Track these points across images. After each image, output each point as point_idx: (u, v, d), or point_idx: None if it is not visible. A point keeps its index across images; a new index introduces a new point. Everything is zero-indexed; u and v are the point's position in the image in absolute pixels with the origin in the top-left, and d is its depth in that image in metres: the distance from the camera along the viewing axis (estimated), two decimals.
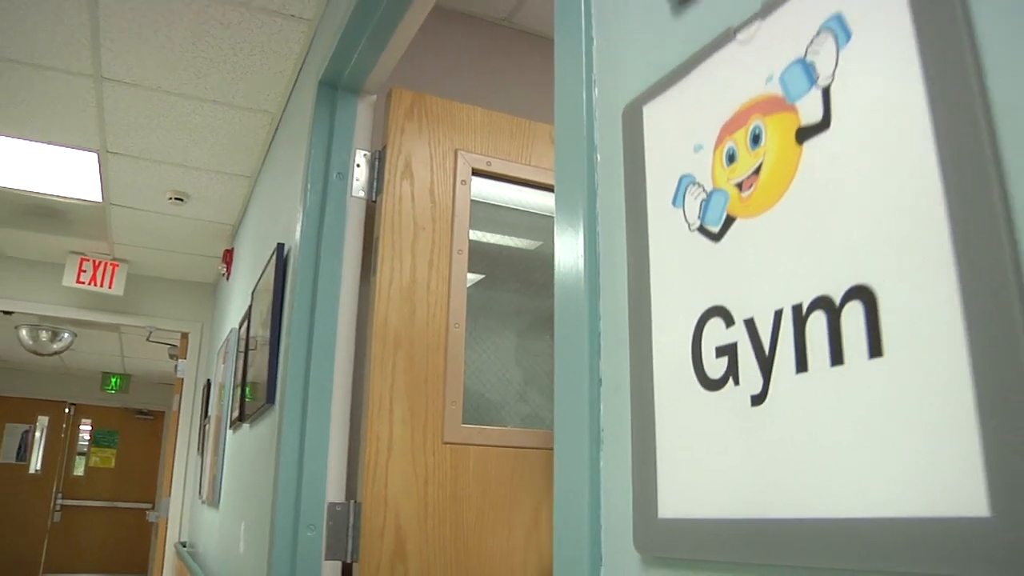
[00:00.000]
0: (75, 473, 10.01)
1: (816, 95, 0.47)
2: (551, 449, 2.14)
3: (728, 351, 0.49)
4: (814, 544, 0.43)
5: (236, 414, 2.96)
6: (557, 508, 0.68)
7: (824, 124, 0.46)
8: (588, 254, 0.67)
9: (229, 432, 3.31)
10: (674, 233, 0.56)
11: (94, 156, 3.51)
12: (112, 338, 7.29)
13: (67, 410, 10.05)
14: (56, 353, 7.21)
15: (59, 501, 9.83)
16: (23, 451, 9.79)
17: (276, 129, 3.13)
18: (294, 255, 2.12)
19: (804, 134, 0.47)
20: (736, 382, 0.48)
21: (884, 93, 0.43)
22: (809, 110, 0.47)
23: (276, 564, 1.94)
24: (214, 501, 3.64)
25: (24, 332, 6.90)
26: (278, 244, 2.32)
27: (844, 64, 0.45)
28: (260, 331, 2.51)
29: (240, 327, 3.18)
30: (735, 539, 0.48)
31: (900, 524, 0.40)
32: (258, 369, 2.47)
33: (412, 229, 2.04)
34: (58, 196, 4.03)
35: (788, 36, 0.49)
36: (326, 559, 1.96)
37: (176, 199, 3.92)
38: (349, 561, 1.96)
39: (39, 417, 9.93)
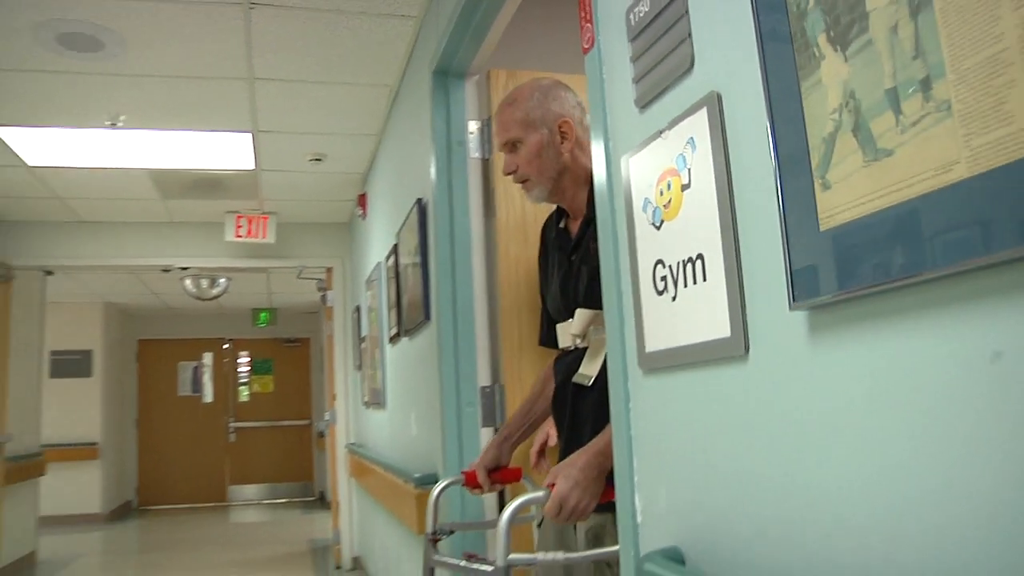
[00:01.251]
0: (241, 399, 11.36)
1: (686, 171, 1.07)
2: None
3: (663, 278, 1.12)
4: (687, 354, 1.08)
5: (395, 331, 3.73)
6: (609, 350, 1.34)
7: (689, 184, 1.07)
8: (613, 238, 1.30)
9: (388, 346, 4.10)
10: (643, 225, 1.20)
11: (248, 135, 4.28)
12: (260, 279, 8.29)
13: (225, 346, 11.35)
14: (215, 298, 8.26)
15: (231, 424, 11.23)
16: (196, 384, 11.19)
17: (395, 98, 3.80)
18: (431, 206, 2.81)
19: (684, 187, 1.09)
20: (665, 291, 1.12)
21: (705, 174, 1.04)
22: (685, 176, 1.08)
23: (447, 434, 2.69)
24: (380, 404, 4.47)
25: (188, 282, 7.93)
26: (417, 199, 3.02)
27: (695, 159, 1.06)
28: (410, 263, 3.23)
29: (387, 260, 3.92)
30: (669, 356, 1.14)
31: (702, 344, 1.04)
32: (412, 293, 3.21)
33: None
34: (218, 169, 4.86)
35: (678, 140, 1.10)
36: (482, 427, 2.71)
37: (315, 159, 4.68)
38: (498, 427, 2.69)
39: (203, 354, 11.28)
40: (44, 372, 7.00)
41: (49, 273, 6.58)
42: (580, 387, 1.80)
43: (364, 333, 5.22)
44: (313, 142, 4.42)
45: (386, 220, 4.11)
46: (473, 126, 2.75)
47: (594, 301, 1.66)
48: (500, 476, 2.05)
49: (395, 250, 3.65)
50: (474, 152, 2.74)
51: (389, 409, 4.20)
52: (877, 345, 0.77)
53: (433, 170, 2.78)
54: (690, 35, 1.09)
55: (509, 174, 1.91)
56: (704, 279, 1.04)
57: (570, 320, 1.83)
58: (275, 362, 11.48)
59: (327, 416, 6.72)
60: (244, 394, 11.40)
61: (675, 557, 1.11)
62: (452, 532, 2.08)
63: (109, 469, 9.74)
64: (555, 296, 1.95)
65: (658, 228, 1.14)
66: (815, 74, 0.82)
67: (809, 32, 0.83)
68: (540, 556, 1.59)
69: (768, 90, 0.89)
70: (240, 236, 5.72)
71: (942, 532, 0.69)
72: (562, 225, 1.97)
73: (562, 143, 1.84)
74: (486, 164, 2.74)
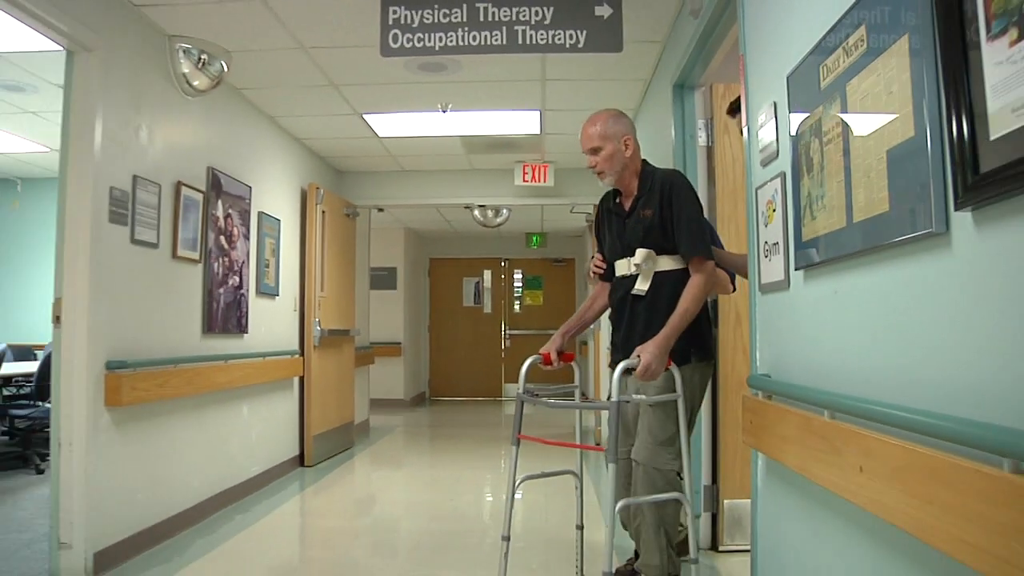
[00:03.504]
0: (515, 311, 13.24)
1: (778, 201, 2.28)
2: None
3: (767, 252, 2.35)
4: (771, 286, 2.28)
5: None
6: (749, 282, 2.55)
7: (776, 208, 2.27)
8: (757, 232, 2.50)
9: None
10: (760, 225, 2.42)
11: (537, 112, 5.71)
12: (535, 210, 9.86)
13: (502, 263, 13.22)
14: (498, 225, 9.93)
15: (507, 332, 13.15)
16: (477, 297, 13.21)
17: (646, 90, 5.06)
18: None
19: (773, 210, 2.28)
20: (766, 257, 2.35)
21: (779, 206, 2.23)
22: (777, 205, 2.28)
23: None
24: None
25: (476, 212, 9.64)
26: None
27: (778, 199, 2.25)
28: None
29: None
30: (766, 287, 2.34)
31: (775, 282, 2.23)
32: None
33: (731, 158, 3.85)
34: (511, 134, 6.35)
35: (774, 186, 2.29)
36: None
37: None
38: None
39: (484, 271, 13.23)
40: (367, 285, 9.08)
41: (380, 210, 8.57)
42: (636, 297, 2.97)
43: None
44: (584, 116, 5.73)
45: None
46: (701, 124, 3.94)
47: (647, 244, 2.90)
48: (563, 358, 3.16)
49: None
50: (702, 142, 3.94)
51: None
52: (830, 281, 1.97)
53: (671, 152, 4.01)
54: (777, 140, 2.28)
55: (592, 167, 3.06)
56: (777, 255, 2.26)
57: (629, 258, 2.99)
58: (544, 279, 13.21)
59: (592, 327, 8.16)
60: (517, 306, 13.26)
61: (767, 375, 2.36)
62: (537, 395, 3.01)
63: (409, 365, 12.01)
64: (614, 243, 3.10)
65: (766, 227, 2.36)
66: (805, 179, 2.00)
67: (811, 156, 2.00)
68: (634, 396, 2.82)
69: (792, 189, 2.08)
70: (526, 180, 7.25)
71: (876, 367, 1.90)
72: (617, 200, 3.13)
73: (625, 151, 3.00)
74: (709, 151, 3.92)
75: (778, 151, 2.30)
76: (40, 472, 5.77)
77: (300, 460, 6.50)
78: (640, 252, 2.95)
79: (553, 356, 3.13)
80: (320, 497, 5.61)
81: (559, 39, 3.60)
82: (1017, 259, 1.19)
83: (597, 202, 7.44)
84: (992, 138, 1.21)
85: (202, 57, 4.43)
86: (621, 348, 3.04)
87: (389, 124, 6.11)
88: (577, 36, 3.60)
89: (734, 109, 3.67)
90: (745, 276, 3.03)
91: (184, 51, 4.39)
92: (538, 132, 6.24)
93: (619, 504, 2.61)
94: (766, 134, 2.40)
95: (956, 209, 1.34)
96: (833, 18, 1.84)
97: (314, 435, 6.55)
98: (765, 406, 2.28)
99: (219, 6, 4.00)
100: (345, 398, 7.45)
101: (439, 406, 12.08)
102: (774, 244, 2.32)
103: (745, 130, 2.67)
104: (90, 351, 3.62)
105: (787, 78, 2.18)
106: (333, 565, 4.00)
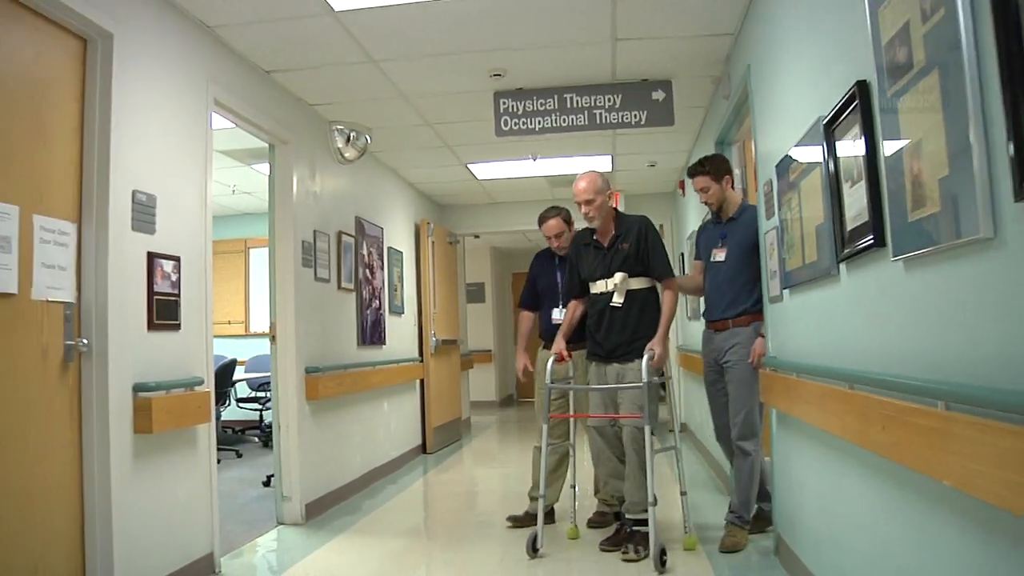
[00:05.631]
0: None
1: (780, 238, 3.50)
2: None
3: (774, 270, 3.57)
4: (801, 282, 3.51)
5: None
6: (764, 284, 3.77)
7: (776, 240, 3.49)
8: (765, 248, 3.71)
9: None
10: (771, 243, 3.65)
11: (609, 156, 6.99)
12: None
13: None
14: None
15: None
16: None
17: (696, 138, 6.29)
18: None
19: (776, 236, 3.50)
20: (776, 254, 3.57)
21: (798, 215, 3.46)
22: (776, 236, 3.50)
23: None
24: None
25: None
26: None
27: (783, 234, 3.48)
28: None
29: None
30: (792, 279, 3.57)
31: (809, 274, 3.46)
32: None
33: None
34: None
35: (772, 229, 3.52)
36: None
37: (650, 165, 7.31)
38: None
39: None
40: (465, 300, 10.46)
41: (476, 237, 9.97)
42: (613, 308, 4.04)
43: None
44: (647, 158, 7.04)
45: (694, 200, 6.62)
46: (737, 171, 5.17)
47: (624, 269, 4.03)
48: (566, 355, 4.32)
49: None
50: (738, 186, 5.16)
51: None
52: (799, 296, 3.20)
53: None
54: (775, 204, 3.53)
55: (584, 213, 4.11)
56: (775, 279, 3.50)
57: (606, 279, 4.08)
58: None
59: None
60: None
61: (774, 356, 3.60)
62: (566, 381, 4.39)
63: (498, 370, 13.38)
64: (593, 268, 4.14)
65: (769, 259, 3.60)
66: (786, 233, 3.23)
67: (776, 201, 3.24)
68: (659, 379, 4.03)
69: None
70: None
71: (886, 341, 3.14)
72: (595, 238, 4.17)
73: (608, 202, 4.15)
74: (744, 192, 5.15)
75: (774, 211, 3.55)
76: (239, 456, 7.30)
77: (423, 448, 7.90)
78: (619, 275, 4.07)
79: (564, 355, 4.27)
80: (440, 476, 6.95)
81: (626, 118, 4.91)
82: (839, 296, 2.43)
83: (659, 223, 8.75)
84: (848, 228, 2.46)
85: (350, 135, 5.85)
86: (602, 344, 4.14)
87: (487, 169, 7.49)
88: (639, 116, 4.90)
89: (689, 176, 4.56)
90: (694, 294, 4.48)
91: (339, 131, 5.81)
92: (610, 169, 7.52)
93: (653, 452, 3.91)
94: (766, 200, 3.65)
95: (839, 261, 2.60)
96: (794, 141, 3.09)
97: (434, 427, 7.96)
98: (773, 376, 3.52)
99: (371, 102, 5.40)
100: (455, 397, 8.85)
101: (525, 406, 13.39)
102: (773, 272, 3.57)
103: (758, 194, 3.92)
104: (296, 360, 5.04)
105: (775, 167, 3.44)
106: (454, 527, 5.35)
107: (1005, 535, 1.59)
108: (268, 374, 8.28)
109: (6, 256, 2.79)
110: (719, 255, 4.21)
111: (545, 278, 4.87)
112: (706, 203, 4.30)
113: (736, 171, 5.19)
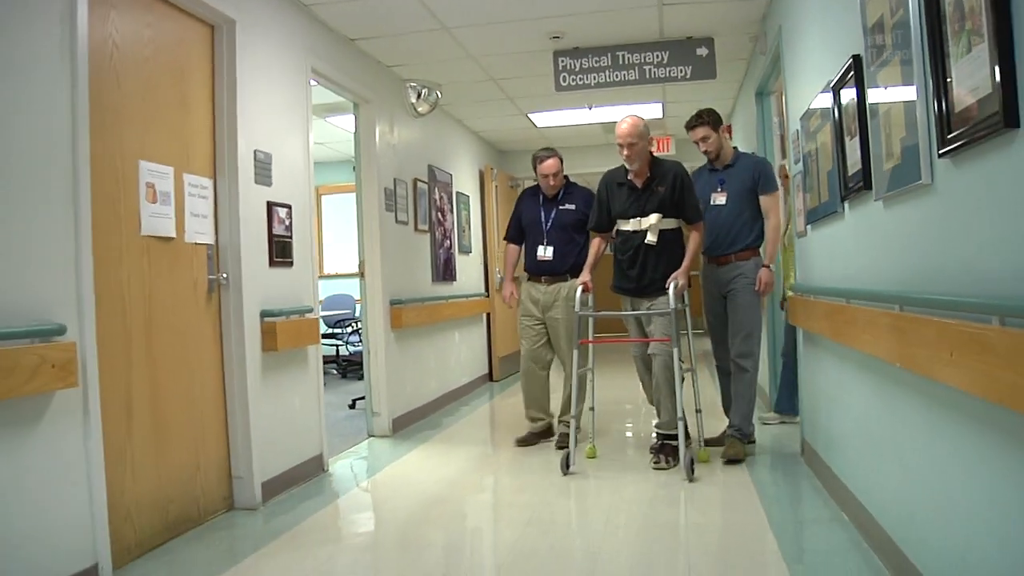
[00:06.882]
0: None
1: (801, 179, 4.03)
2: None
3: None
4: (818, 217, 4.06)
5: None
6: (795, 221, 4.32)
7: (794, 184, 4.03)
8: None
9: None
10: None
11: (660, 104, 7.49)
12: None
13: None
14: None
15: None
16: None
17: (740, 89, 6.77)
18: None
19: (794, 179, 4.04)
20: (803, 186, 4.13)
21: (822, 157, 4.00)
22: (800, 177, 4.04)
23: None
24: None
25: None
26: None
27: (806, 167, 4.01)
28: None
29: None
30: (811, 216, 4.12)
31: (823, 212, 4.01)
32: None
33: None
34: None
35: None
36: None
37: None
38: None
39: None
40: None
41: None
42: (648, 246, 4.32)
43: None
44: (695, 106, 7.45)
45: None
46: (775, 120, 5.65)
47: (659, 210, 4.31)
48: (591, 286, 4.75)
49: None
50: (777, 132, 5.65)
51: None
52: (819, 231, 3.75)
53: (755, 135, 5.77)
54: (800, 151, 4.06)
55: (627, 156, 4.33)
56: (801, 216, 4.05)
57: (640, 218, 4.34)
58: None
59: None
60: None
61: (800, 284, 4.17)
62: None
63: None
64: (625, 207, 4.40)
65: (796, 198, 4.14)
66: (809, 176, 3.77)
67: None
68: (676, 307, 4.47)
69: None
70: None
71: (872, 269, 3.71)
72: (629, 177, 4.43)
73: (647, 147, 4.46)
74: (782, 138, 5.64)
75: (800, 157, 4.08)
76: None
77: (489, 376, 8.63)
78: (654, 216, 4.34)
79: (590, 286, 4.56)
80: (505, 401, 7.64)
81: (673, 73, 5.42)
82: (843, 229, 2.98)
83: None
84: (848, 174, 3.01)
85: (422, 91, 6.45)
86: (636, 280, 4.43)
87: (546, 118, 8.04)
88: (685, 70, 5.41)
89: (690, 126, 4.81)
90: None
91: (412, 87, 6.42)
92: (661, 116, 8.00)
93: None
94: (795, 147, 4.19)
95: (842, 200, 3.15)
96: (812, 98, 3.62)
97: (499, 357, 8.68)
98: (798, 300, 4.10)
99: (442, 63, 5.99)
100: (515, 331, 9.53)
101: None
102: (799, 210, 4.12)
103: (790, 144, 4.45)
104: (383, 294, 5.75)
105: (799, 120, 3.97)
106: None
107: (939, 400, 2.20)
108: (344, 312, 9.16)
109: (166, 208, 3.51)
110: (719, 198, 4.61)
111: (530, 215, 5.22)
112: (705, 152, 4.70)
113: (775, 119, 5.69)
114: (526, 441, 5.21)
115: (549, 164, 5.11)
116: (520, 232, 5.33)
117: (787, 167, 4.89)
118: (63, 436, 2.75)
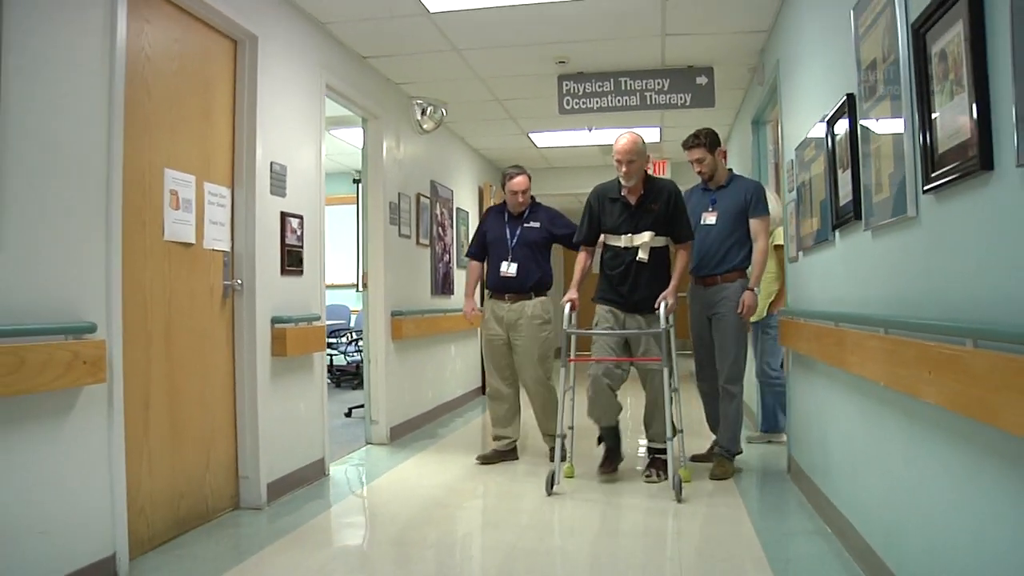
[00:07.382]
0: None
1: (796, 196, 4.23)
2: None
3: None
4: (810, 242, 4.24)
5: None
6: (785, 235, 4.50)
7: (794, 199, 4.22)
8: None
9: None
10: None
11: (657, 128, 7.69)
12: None
13: None
14: None
15: None
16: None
17: (736, 115, 6.97)
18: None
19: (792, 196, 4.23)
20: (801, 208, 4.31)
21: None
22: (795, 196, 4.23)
23: None
24: None
25: None
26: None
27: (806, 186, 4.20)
28: None
29: None
30: (807, 240, 4.30)
31: (814, 239, 4.19)
32: None
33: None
34: None
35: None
36: None
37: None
38: None
39: None
40: None
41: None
42: (640, 263, 4.35)
43: None
44: (692, 131, 7.68)
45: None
46: (770, 147, 5.85)
47: (651, 228, 4.34)
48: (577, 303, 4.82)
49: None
50: (771, 160, 5.85)
51: None
52: (810, 257, 3.93)
53: (751, 162, 5.96)
54: (794, 180, 4.24)
55: (625, 172, 4.34)
56: (794, 242, 4.23)
57: (631, 234, 4.36)
58: None
59: None
60: None
61: (797, 305, 4.35)
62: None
63: (554, 322, 14.19)
64: (617, 223, 4.41)
65: (790, 224, 4.32)
66: (803, 204, 3.95)
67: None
68: (667, 327, 4.54)
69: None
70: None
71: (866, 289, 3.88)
72: (623, 193, 4.44)
73: (644, 165, 4.42)
74: (776, 166, 5.84)
75: (795, 186, 4.27)
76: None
77: (482, 390, 8.77)
78: (647, 233, 4.38)
79: (577, 304, 4.58)
80: None
81: (673, 100, 5.62)
82: (834, 256, 3.15)
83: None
84: (840, 204, 3.18)
85: (428, 108, 6.62)
86: (627, 296, 4.46)
87: (546, 138, 8.23)
88: (685, 98, 5.60)
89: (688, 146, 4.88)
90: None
91: (418, 104, 6.59)
92: (658, 140, 8.21)
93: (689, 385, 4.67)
94: (789, 176, 4.37)
95: (834, 229, 3.33)
96: (808, 130, 3.81)
97: None
98: (788, 322, 4.27)
99: (449, 82, 6.18)
100: None
101: (580, 349, 14.19)
102: (792, 236, 4.30)
103: (784, 173, 4.64)
104: (384, 305, 5.90)
105: (795, 150, 4.16)
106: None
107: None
108: (341, 322, 9.32)
109: (188, 215, 3.66)
110: (709, 218, 4.68)
111: (495, 232, 5.24)
112: (700, 172, 4.79)
113: (770, 147, 5.89)
114: (488, 459, 5.23)
115: (519, 181, 5.16)
116: (483, 249, 5.36)
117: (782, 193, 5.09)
118: (90, 430, 2.89)
